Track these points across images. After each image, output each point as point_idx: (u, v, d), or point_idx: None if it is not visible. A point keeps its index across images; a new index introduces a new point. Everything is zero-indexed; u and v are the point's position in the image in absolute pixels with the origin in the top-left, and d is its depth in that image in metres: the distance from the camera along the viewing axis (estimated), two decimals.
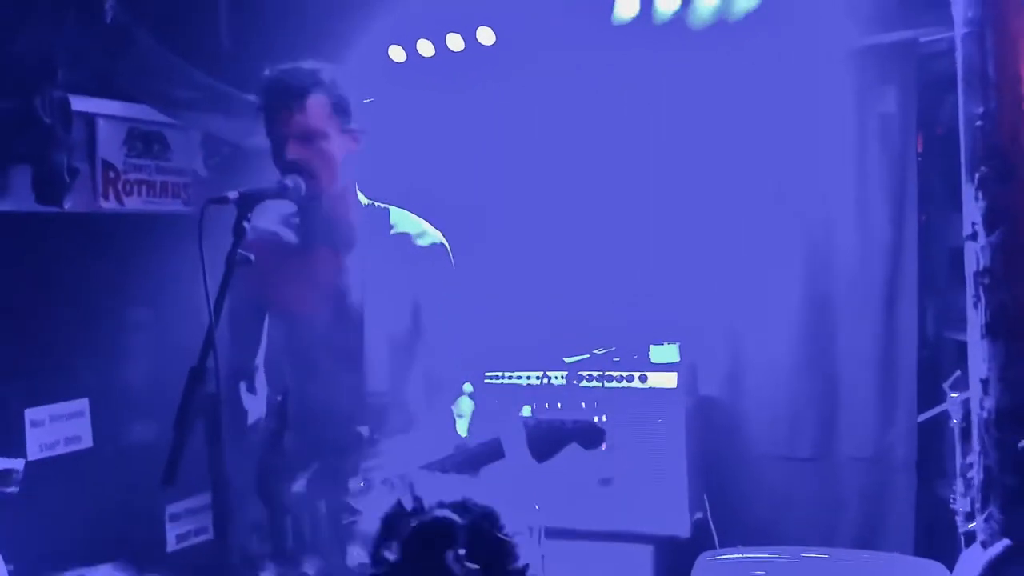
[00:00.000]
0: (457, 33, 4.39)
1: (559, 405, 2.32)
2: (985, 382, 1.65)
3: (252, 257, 2.17)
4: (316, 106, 2.38)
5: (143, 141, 4.62)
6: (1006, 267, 1.63)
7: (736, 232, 4.18)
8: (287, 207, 2.54)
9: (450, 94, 4.55)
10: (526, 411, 2.29)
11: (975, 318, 1.66)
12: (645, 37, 4.06)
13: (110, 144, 4.34)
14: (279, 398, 2.64)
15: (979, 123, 1.66)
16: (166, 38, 3.85)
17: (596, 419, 2.23)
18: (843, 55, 3.93)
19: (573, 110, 4.38)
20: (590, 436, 2.22)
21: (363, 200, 2.58)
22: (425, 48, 4.51)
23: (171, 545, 4.30)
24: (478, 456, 2.32)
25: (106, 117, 4.28)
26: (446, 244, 2.57)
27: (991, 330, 1.63)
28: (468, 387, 2.56)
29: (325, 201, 2.45)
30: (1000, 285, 1.63)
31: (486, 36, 4.34)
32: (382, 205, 2.60)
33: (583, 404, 2.24)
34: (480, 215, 4.52)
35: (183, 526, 4.35)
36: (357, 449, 2.42)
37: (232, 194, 2.17)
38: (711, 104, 4.20)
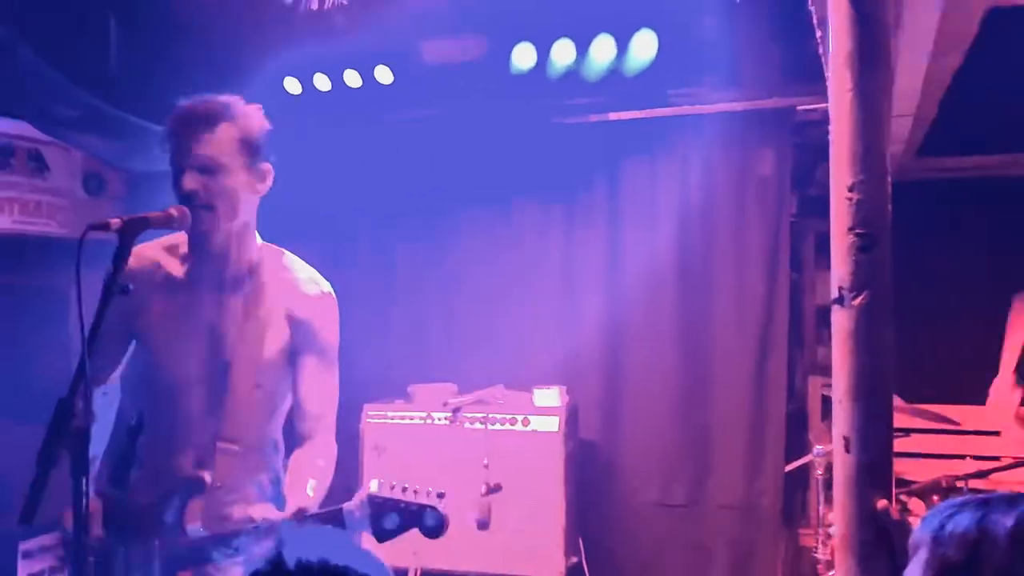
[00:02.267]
0: (355, 70, 4.42)
1: (407, 487, 2.15)
2: (847, 439, 1.72)
3: (131, 287, 2.10)
4: (222, 139, 2.29)
5: (17, 158, 4.43)
6: (868, 331, 1.71)
7: (619, 284, 4.29)
8: (177, 236, 2.45)
9: (346, 129, 4.54)
10: (373, 486, 2.18)
11: (839, 378, 1.74)
12: (540, 89, 4.18)
13: None
14: (133, 422, 2.53)
15: (848, 194, 1.74)
16: (51, 56, 3.71)
17: (439, 506, 2.13)
18: (726, 119, 4.10)
19: (469, 152, 4.43)
20: (433, 525, 2.13)
21: (258, 240, 2.48)
22: (322, 83, 4.51)
23: None
24: (320, 520, 2.23)
25: None
26: (333, 294, 2.49)
27: (852, 391, 1.71)
28: (329, 453, 2.48)
29: (219, 237, 2.36)
30: (862, 348, 1.71)
31: (384, 75, 4.39)
32: (276, 248, 2.51)
33: (430, 490, 2.12)
34: (379, 245, 4.52)
35: (36, 564, 4.10)
36: (198, 493, 2.34)
37: (115, 221, 2.08)
38: (597, 158, 4.33)
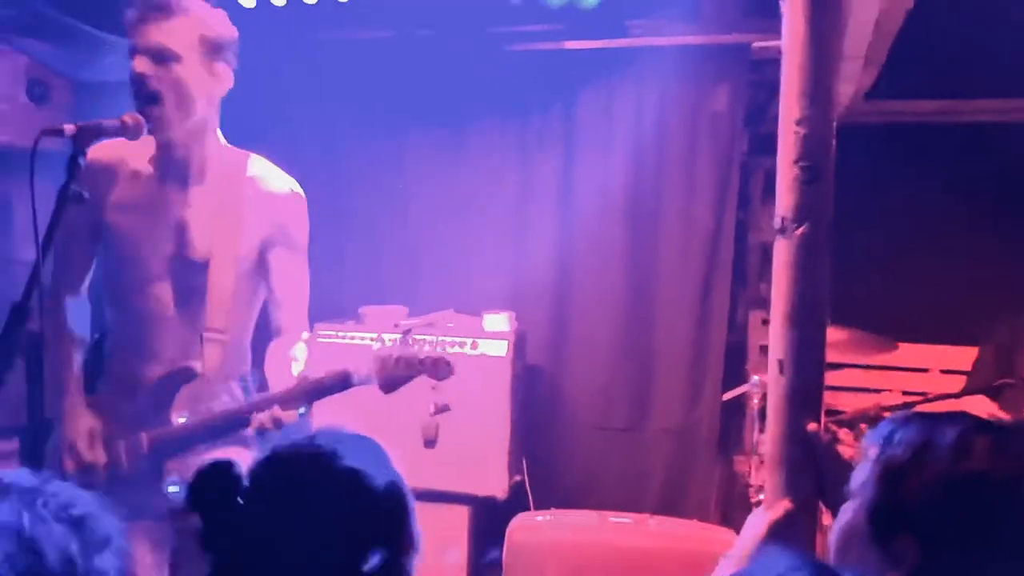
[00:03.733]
0: None
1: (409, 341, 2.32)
2: (781, 363, 1.82)
3: (86, 194, 2.10)
4: (179, 29, 2.30)
5: None
6: (806, 261, 1.80)
7: (570, 212, 4.35)
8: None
9: (299, 47, 4.47)
10: (374, 345, 2.30)
11: (777, 305, 1.83)
12: (499, 15, 4.16)
13: None
14: (96, 336, 2.56)
15: (795, 128, 1.81)
16: None
17: (444, 356, 2.27)
18: (683, 53, 4.13)
19: (424, 76, 4.41)
20: (440, 368, 2.28)
21: (221, 141, 2.51)
22: None
23: None
24: (325, 386, 2.32)
25: None
26: (301, 192, 2.54)
27: (788, 317, 1.80)
28: (305, 334, 2.56)
29: (177, 132, 2.37)
30: (800, 277, 1.80)
31: None
32: (242, 151, 2.54)
33: (433, 337, 2.28)
34: (333, 168, 4.51)
35: None
36: (186, 383, 2.38)
37: (69, 127, 2.08)
38: (553, 86, 4.36)
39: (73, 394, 2.44)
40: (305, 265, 2.57)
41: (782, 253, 1.83)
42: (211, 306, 2.39)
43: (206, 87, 2.38)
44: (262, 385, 2.53)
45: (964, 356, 4.03)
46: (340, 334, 4.17)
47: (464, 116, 4.45)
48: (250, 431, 2.27)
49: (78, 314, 2.54)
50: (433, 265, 4.47)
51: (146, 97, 2.30)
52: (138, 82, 2.29)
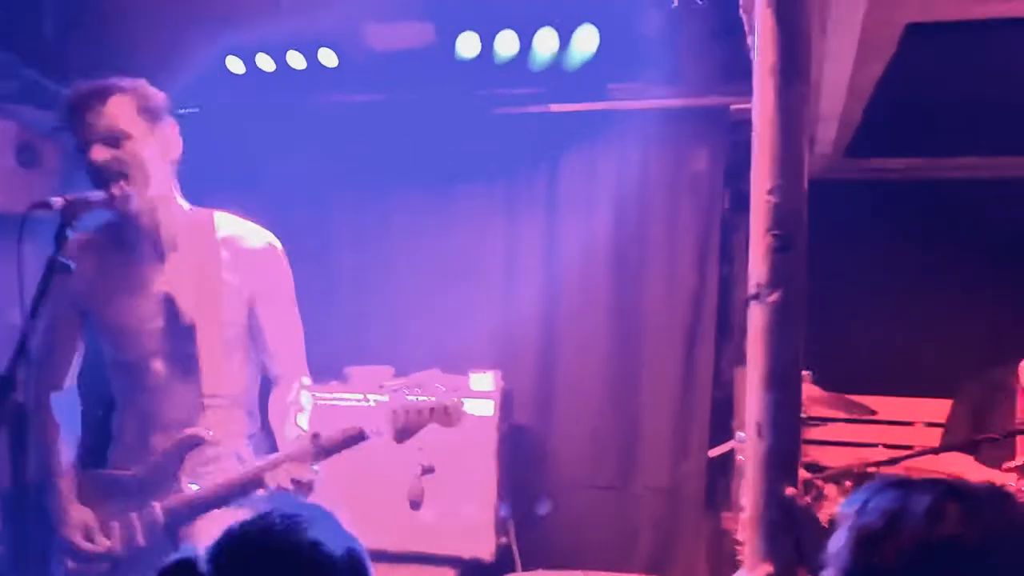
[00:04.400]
0: (298, 52, 4.43)
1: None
2: (759, 426, 1.85)
3: (73, 265, 2.14)
4: (118, 109, 2.34)
5: None
6: (781, 327, 1.83)
7: (555, 272, 4.41)
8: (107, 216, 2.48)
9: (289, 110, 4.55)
10: (371, 400, 2.36)
11: (753, 370, 1.87)
12: (483, 78, 4.24)
13: None
14: (100, 412, 2.58)
15: (767, 197, 1.86)
16: None
17: (454, 402, 2.32)
18: (664, 115, 4.22)
19: (412, 137, 4.48)
20: (451, 414, 2.33)
21: (184, 205, 2.53)
22: (265, 63, 4.50)
23: None
24: (338, 444, 2.34)
25: None
26: (277, 244, 2.56)
27: (765, 382, 1.84)
28: (307, 380, 2.57)
29: (143, 205, 2.40)
30: (775, 343, 1.84)
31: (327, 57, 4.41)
32: (207, 210, 2.55)
33: (440, 387, 2.35)
34: (320, 228, 4.55)
35: None
36: (191, 449, 2.39)
37: (57, 200, 2.12)
38: (537, 148, 4.45)
39: (63, 493, 2.43)
40: (295, 313, 2.58)
41: (757, 319, 1.87)
42: (205, 373, 2.41)
43: (161, 152, 2.41)
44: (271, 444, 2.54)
45: (946, 409, 4.07)
46: (325, 395, 4.16)
47: (450, 177, 4.52)
48: (264, 492, 2.28)
49: (64, 409, 2.54)
50: (419, 324, 4.49)
51: (114, 178, 2.32)
52: (102, 169, 2.33)
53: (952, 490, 1.39)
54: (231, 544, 1.28)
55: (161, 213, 2.45)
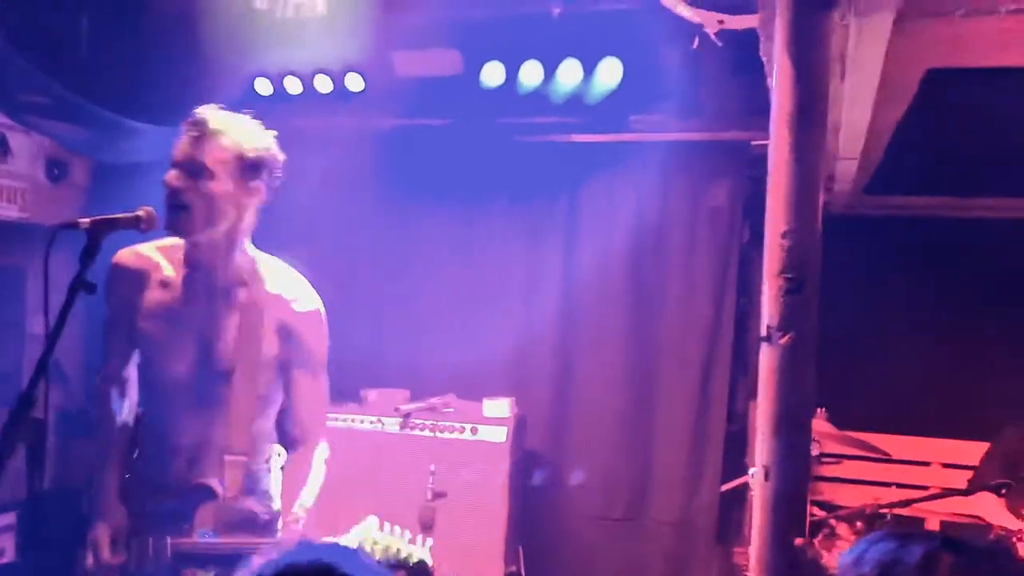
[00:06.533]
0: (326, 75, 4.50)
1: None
2: (767, 469, 1.85)
3: (96, 285, 2.17)
4: (217, 147, 2.37)
5: None
6: (791, 370, 1.84)
7: (572, 301, 4.42)
8: (175, 240, 2.47)
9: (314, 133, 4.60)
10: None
11: (763, 412, 1.87)
12: (507, 107, 4.28)
13: None
14: (134, 417, 2.61)
15: (780, 240, 1.88)
16: (23, 44, 3.74)
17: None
18: (684, 148, 4.24)
19: (436, 163, 4.52)
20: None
21: (249, 251, 2.52)
22: (292, 85, 4.57)
23: None
24: None
25: None
26: (322, 309, 2.56)
27: (774, 425, 1.84)
28: (324, 448, 2.57)
29: (204, 242, 2.43)
30: (785, 385, 1.84)
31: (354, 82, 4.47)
32: (270, 259, 2.55)
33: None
34: (344, 250, 4.58)
35: None
36: (204, 501, 2.41)
37: (84, 221, 2.15)
38: (558, 177, 4.47)
39: (108, 493, 2.48)
40: (325, 378, 2.58)
41: (767, 360, 1.88)
42: (233, 427, 2.43)
43: (236, 201, 2.41)
44: None
45: (963, 450, 4.03)
46: (341, 417, 4.20)
47: (472, 204, 4.55)
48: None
49: (121, 398, 2.58)
50: (436, 349, 4.51)
51: (175, 207, 2.36)
52: (169, 193, 2.36)
53: (947, 543, 1.39)
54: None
55: (220, 257, 2.46)
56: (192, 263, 2.48)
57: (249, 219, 2.48)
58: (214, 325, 2.46)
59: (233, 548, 2.31)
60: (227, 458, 2.42)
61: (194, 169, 2.36)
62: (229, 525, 2.43)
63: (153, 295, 2.48)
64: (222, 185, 2.38)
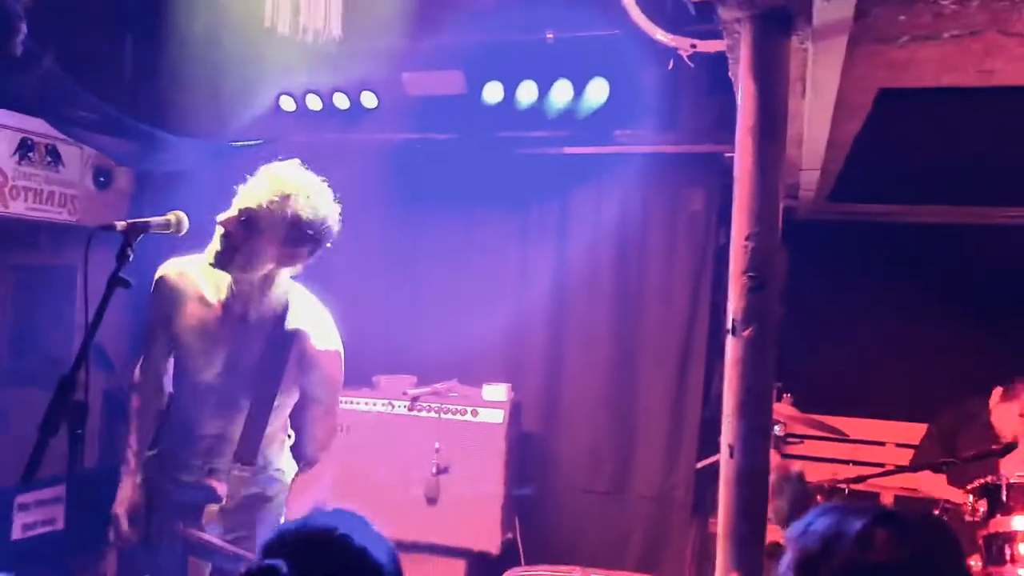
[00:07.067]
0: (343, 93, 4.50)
1: None
2: (732, 447, 1.85)
3: (131, 282, 2.16)
4: (276, 206, 2.27)
5: (36, 152, 4.47)
6: (753, 359, 1.84)
7: (563, 295, 4.42)
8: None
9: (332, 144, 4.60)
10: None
11: (728, 397, 1.87)
12: (506, 122, 4.29)
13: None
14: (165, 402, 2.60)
15: (744, 242, 1.87)
16: (71, 66, 3.75)
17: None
18: (664, 159, 4.24)
19: (443, 172, 4.52)
20: None
21: (286, 284, 2.44)
22: (313, 102, 4.57)
23: (16, 534, 4.07)
24: None
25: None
26: (341, 349, 2.47)
27: (737, 408, 1.84)
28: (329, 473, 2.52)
29: (245, 279, 2.36)
30: (748, 372, 1.84)
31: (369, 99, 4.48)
32: (304, 295, 2.47)
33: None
34: (356, 250, 4.57)
35: (30, 516, 4.12)
36: (208, 502, 2.39)
37: (120, 224, 2.15)
38: (551, 185, 4.47)
39: (132, 469, 2.49)
40: (335, 410, 2.52)
41: (732, 351, 1.87)
42: (244, 439, 2.39)
43: (278, 260, 2.34)
44: None
45: (914, 431, 4.03)
46: (355, 400, 4.21)
47: (473, 208, 4.55)
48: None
49: (155, 392, 2.57)
50: (441, 339, 4.50)
51: (221, 247, 2.30)
52: (220, 233, 2.30)
53: (884, 516, 1.35)
54: (300, 550, 1.28)
55: (257, 291, 2.40)
56: (231, 289, 2.42)
57: (286, 273, 2.42)
58: (243, 346, 2.41)
59: (235, 552, 2.30)
60: (234, 473, 2.40)
61: (249, 218, 2.28)
62: (231, 531, 2.41)
63: (191, 309, 2.43)
64: (269, 243, 2.29)
